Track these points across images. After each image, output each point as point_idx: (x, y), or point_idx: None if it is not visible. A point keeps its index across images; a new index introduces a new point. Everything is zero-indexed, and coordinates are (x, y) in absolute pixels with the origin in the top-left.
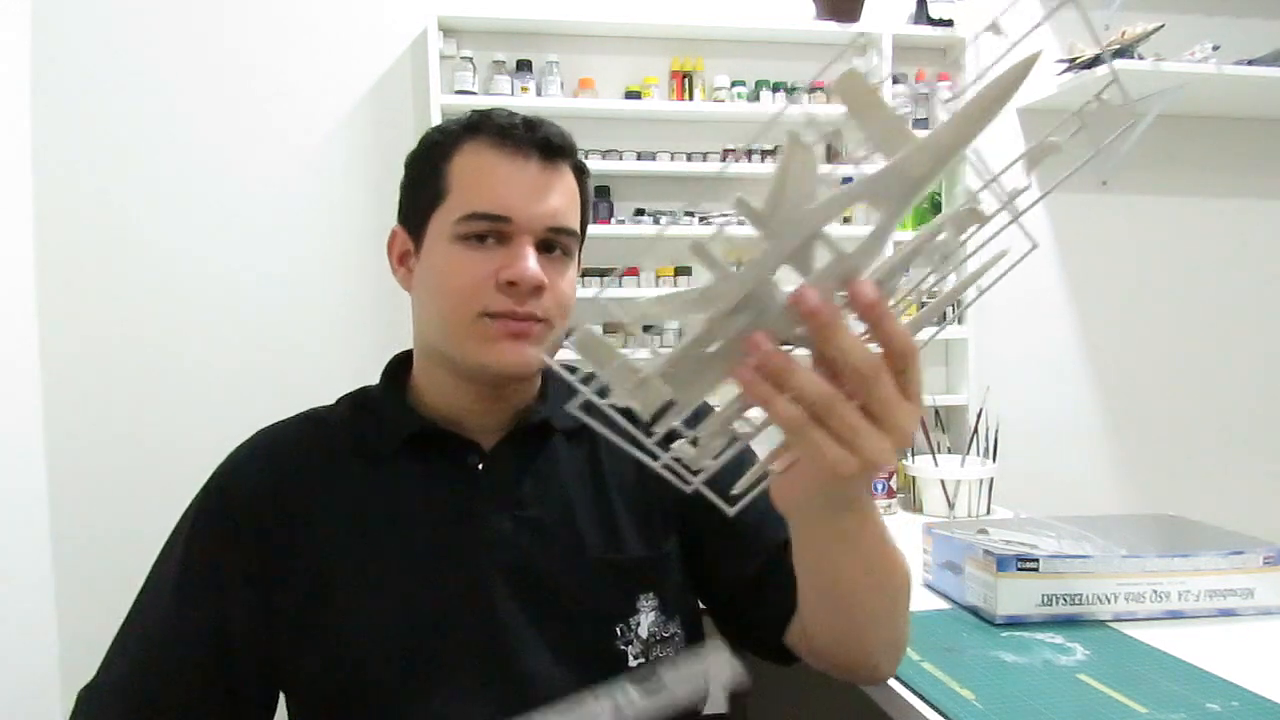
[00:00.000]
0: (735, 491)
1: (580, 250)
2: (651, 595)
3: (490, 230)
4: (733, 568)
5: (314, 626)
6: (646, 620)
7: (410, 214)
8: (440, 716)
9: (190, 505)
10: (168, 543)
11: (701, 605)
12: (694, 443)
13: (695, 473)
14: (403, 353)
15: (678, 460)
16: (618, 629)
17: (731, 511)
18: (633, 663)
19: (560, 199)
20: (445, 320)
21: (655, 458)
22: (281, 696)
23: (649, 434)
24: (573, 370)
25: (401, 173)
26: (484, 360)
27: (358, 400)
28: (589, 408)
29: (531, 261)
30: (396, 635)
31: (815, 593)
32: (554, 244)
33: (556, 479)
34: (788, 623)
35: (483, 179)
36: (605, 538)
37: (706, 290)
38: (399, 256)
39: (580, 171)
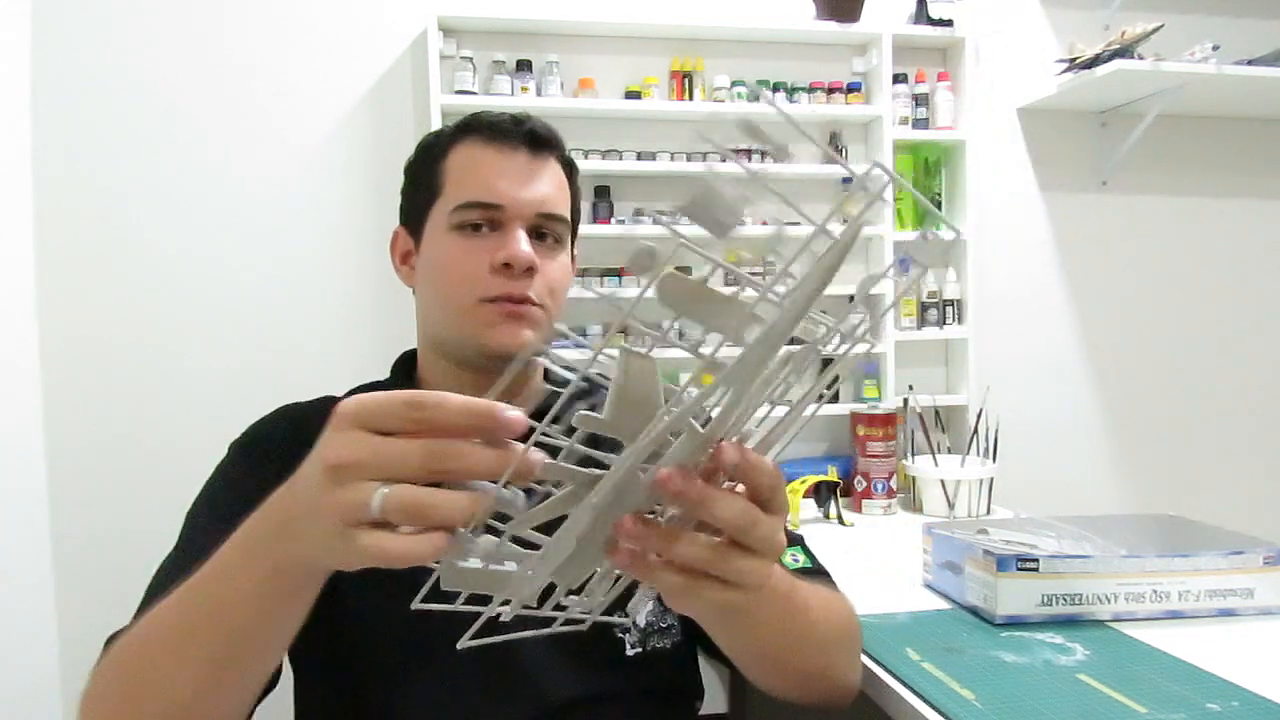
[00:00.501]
0: (629, 609)
1: (573, 243)
2: (649, 586)
3: (484, 218)
4: None
5: (325, 596)
6: (644, 610)
7: (409, 214)
8: (435, 698)
9: (212, 473)
10: (192, 506)
11: None
12: (579, 590)
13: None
14: (409, 350)
15: (569, 619)
16: (615, 617)
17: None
18: (630, 651)
19: (549, 187)
20: (446, 307)
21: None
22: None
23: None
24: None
25: (400, 173)
26: (483, 342)
27: (369, 391)
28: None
29: (523, 244)
30: (399, 619)
31: (744, 661)
32: (545, 231)
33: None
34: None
35: (475, 171)
36: None
37: (575, 491)
38: (401, 256)
39: (568, 166)
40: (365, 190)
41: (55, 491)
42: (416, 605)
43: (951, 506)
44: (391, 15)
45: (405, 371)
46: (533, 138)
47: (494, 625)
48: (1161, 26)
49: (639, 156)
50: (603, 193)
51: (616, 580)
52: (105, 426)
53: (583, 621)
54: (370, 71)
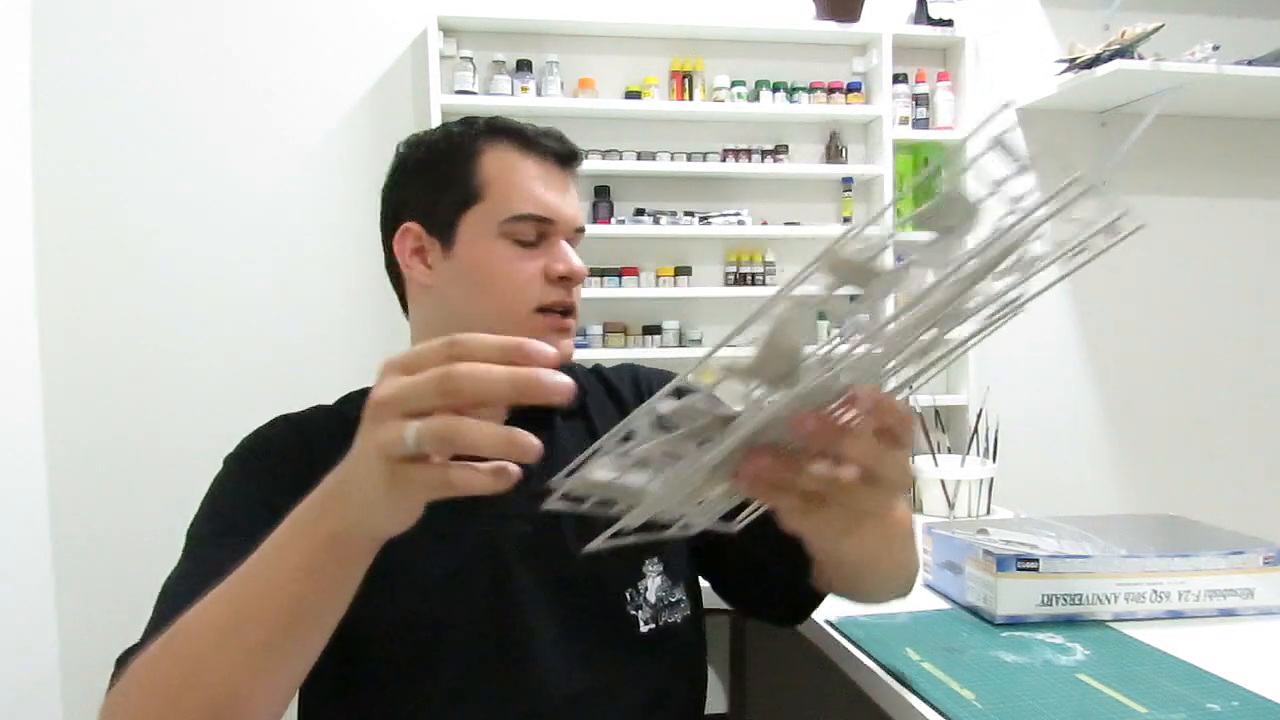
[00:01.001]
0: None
1: None
2: (657, 560)
3: (535, 231)
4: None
5: None
6: (654, 585)
7: (429, 212)
8: (443, 694)
9: (211, 484)
10: (194, 519)
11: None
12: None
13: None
14: None
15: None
16: (627, 594)
17: (736, 528)
18: (644, 628)
19: (578, 204)
20: (499, 315)
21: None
22: None
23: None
24: (574, 369)
25: None
26: None
27: (366, 394)
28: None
29: (576, 258)
30: (404, 615)
31: (830, 570)
32: (574, 244)
33: (559, 454)
34: (808, 571)
35: (525, 182)
36: None
37: (702, 429)
38: (414, 251)
39: (574, 176)
40: (365, 190)
41: (55, 491)
42: (551, 505)
43: (951, 506)
44: (391, 15)
45: None
46: (570, 155)
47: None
48: (1161, 26)
49: (639, 156)
50: (603, 193)
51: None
52: (105, 426)
53: (690, 528)
54: (370, 71)
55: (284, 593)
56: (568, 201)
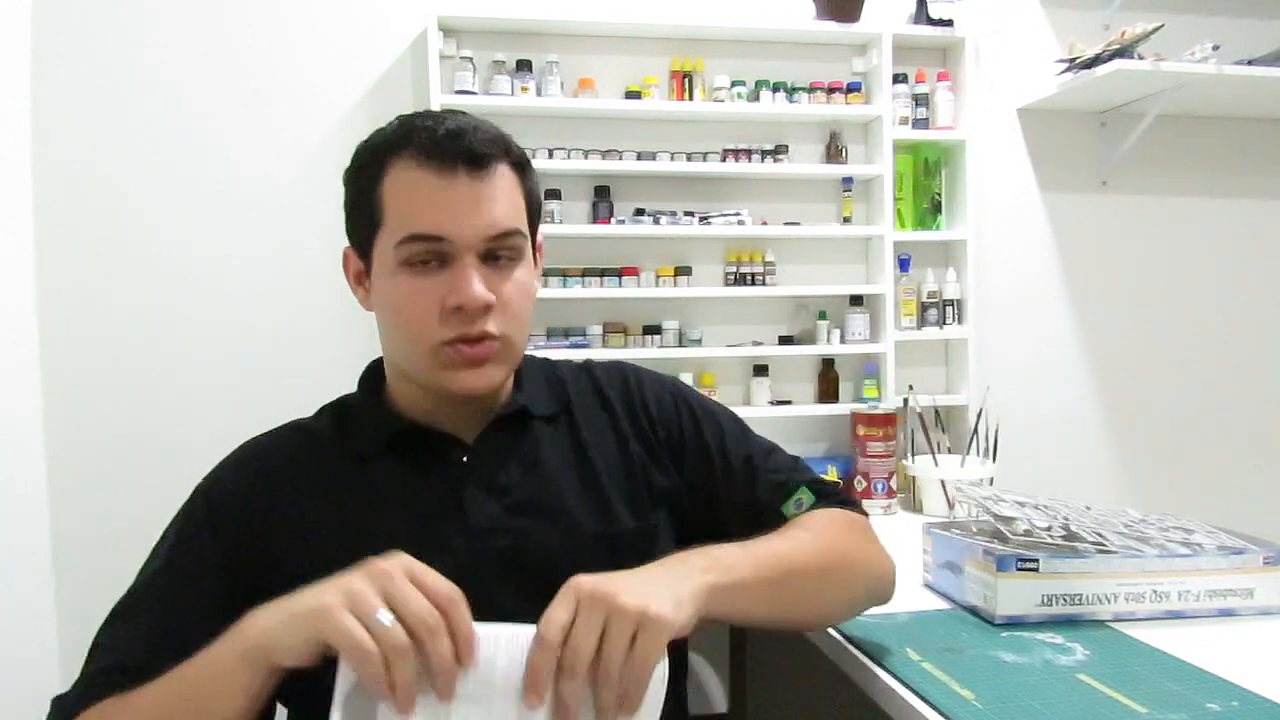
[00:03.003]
0: None
1: (535, 244)
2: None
3: (429, 252)
4: (731, 508)
5: None
6: None
7: (354, 234)
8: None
9: (174, 518)
10: (150, 554)
11: None
12: None
13: None
14: (376, 360)
15: None
16: None
17: None
18: None
19: (498, 206)
20: (406, 349)
21: None
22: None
23: None
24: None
25: None
26: (447, 386)
27: (338, 409)
28: None
29: (474, 284)
30: None
31: (767, 630)
32: (498, 253)
33: (541, 462)
34: None
35: (413, 200)
36: (596, 513)
37: None
38: (355, 276)
39: (519, 166)
40: None
41: (55, 491)
42: None
43: (951, 506)
44: (391, 15)
45: (373, 387)
46: (471, 156)
47: None
48: (1161, 26)
49: (639, 156)
50: (603, 193)
51: None
52: (105, 426)
53: None
54: (370, 71)
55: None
56: (472, 213)
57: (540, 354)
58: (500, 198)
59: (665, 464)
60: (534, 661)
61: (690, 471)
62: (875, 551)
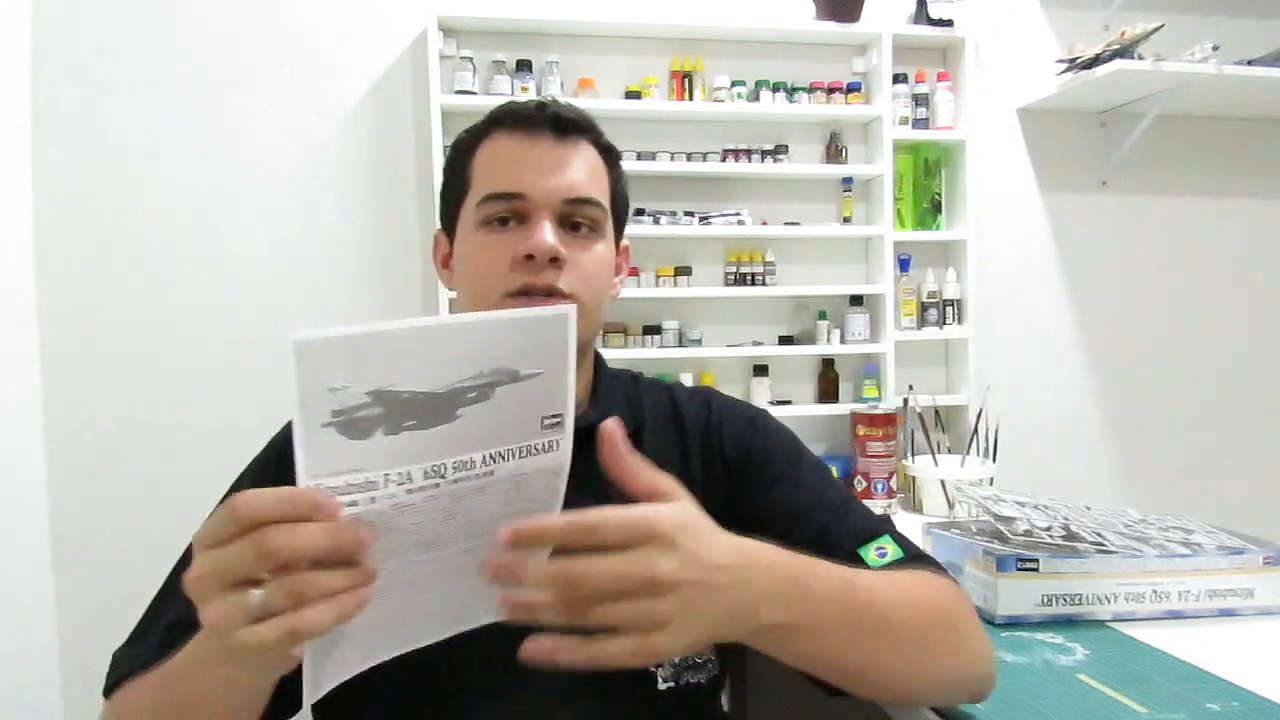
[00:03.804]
0: None
1: (619, 233)
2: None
3: (509, 211)
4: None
5: None
6: None
7: (445, 215)
8: None
9: (233, 485)
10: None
11: None
12: None
13: None
14: None
15: None
16: None
17: None
18: (662, 685)
19: (579, 172)
20: (473, 307)
21: None
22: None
23: None
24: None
25: (400, 173)
26: None
27: None
28: None
29: (546, 233)
30: (420, 650)
31: (825, 677)
32: (578, 220)
33: (596, 491)
34: None
35: (497, 162)
36: None
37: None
38: (442, 259)
39: (606, 150)
40: (365, 190)
41: (55, 491)
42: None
43: (951, 506)
44: (391, 15)
45: None
46: (556, 121)
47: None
48: (1161, 26)
49: (639, 156)
50: None
51: None
52: (105, 425)
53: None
54: (370, 71)
55: (203, 709)
56: (553, 173)
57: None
58: (581, 165)
59: (733, 491)
60: (532, 531)
61: (758, 500)
62: (984, 636)
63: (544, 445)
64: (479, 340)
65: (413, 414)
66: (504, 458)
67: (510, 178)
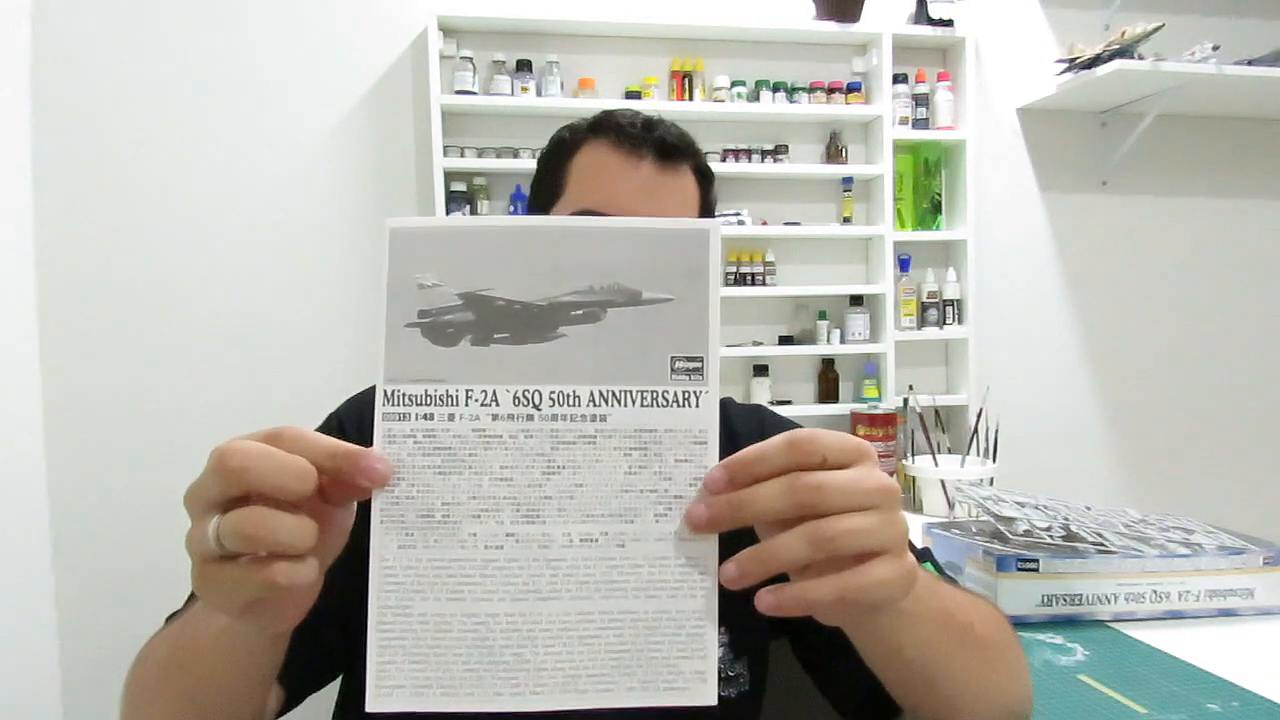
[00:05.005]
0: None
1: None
2: (723, 630)
3: None
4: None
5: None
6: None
7: (534, 207)
8: None
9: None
10: None
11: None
12: None
13: None
14: None
15: None
16: None
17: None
18: None
19: (673, 201)
20: None
21: None
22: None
23: None
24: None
25: (401, 172)
26: None
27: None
28: None
29: None
30: None
31: (901, 682)
32: None
33: None
34: (866, 694)
35: (597, 176)
36: None
37: None
38: None
39: (703, 175)
40: (366, 189)
41: (55, 491)
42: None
43: (951, 506)
44: (391, 15)
45: None
46: (661, 145)
47: None
48: (1161, 26)
49: None
50: None
51: None
52: (105, 426)
53: None
54: (370, 71)
55: (203, 657)
56: (650, 200)
57: None
58: (676, 198)
59: None
60: (754, 454)
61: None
62: (1025, 660)
63: (677, 397)
64: (594, 249)
65: (505, 324)
66: (619, 400)
67: (604, 195)
